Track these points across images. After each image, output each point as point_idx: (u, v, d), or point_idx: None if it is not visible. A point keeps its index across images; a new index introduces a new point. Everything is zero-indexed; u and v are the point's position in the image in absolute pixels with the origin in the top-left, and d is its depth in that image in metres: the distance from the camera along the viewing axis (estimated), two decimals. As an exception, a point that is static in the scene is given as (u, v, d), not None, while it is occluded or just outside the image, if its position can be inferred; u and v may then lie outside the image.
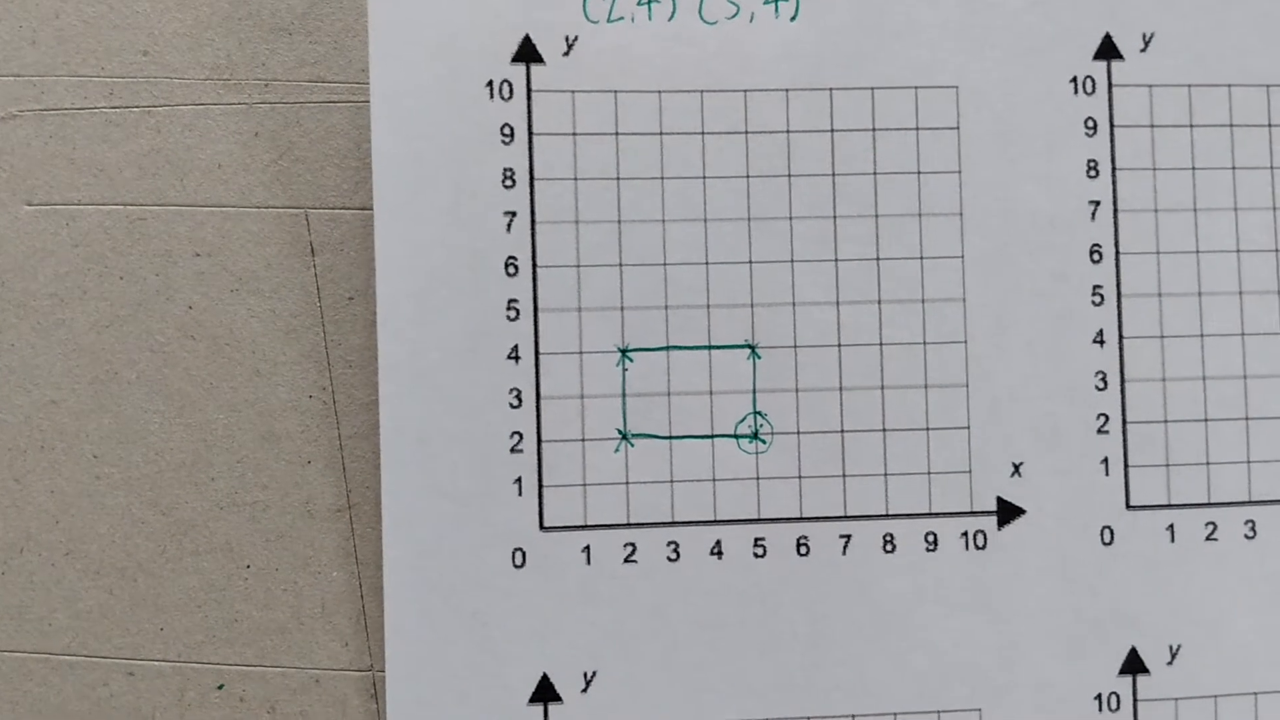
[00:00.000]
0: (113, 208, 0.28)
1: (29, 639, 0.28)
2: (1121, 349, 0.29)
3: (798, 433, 0.28)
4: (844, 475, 0.28)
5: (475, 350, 0.28)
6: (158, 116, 0.28)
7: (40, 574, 0.28)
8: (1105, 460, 0.28)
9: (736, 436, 0.28)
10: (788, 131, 0.28)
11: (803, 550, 0.28)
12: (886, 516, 0.28)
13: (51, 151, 0.28)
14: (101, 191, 0.28)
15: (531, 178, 0.28)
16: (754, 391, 0.28)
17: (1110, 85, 0.29)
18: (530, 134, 0.28)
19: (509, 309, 0.28)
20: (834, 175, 0.28)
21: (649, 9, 0.28)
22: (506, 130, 0.28)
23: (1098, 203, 0.29)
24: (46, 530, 0.28)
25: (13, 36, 0.28)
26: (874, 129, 0.28)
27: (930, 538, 0.28)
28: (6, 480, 0.28)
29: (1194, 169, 0.29)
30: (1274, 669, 0.29)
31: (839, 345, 0.28)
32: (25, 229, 0.28)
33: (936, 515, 0.28)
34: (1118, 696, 0.28)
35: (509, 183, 0.28)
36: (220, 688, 0.28)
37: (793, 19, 0.28)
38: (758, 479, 0.28)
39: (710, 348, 0.28)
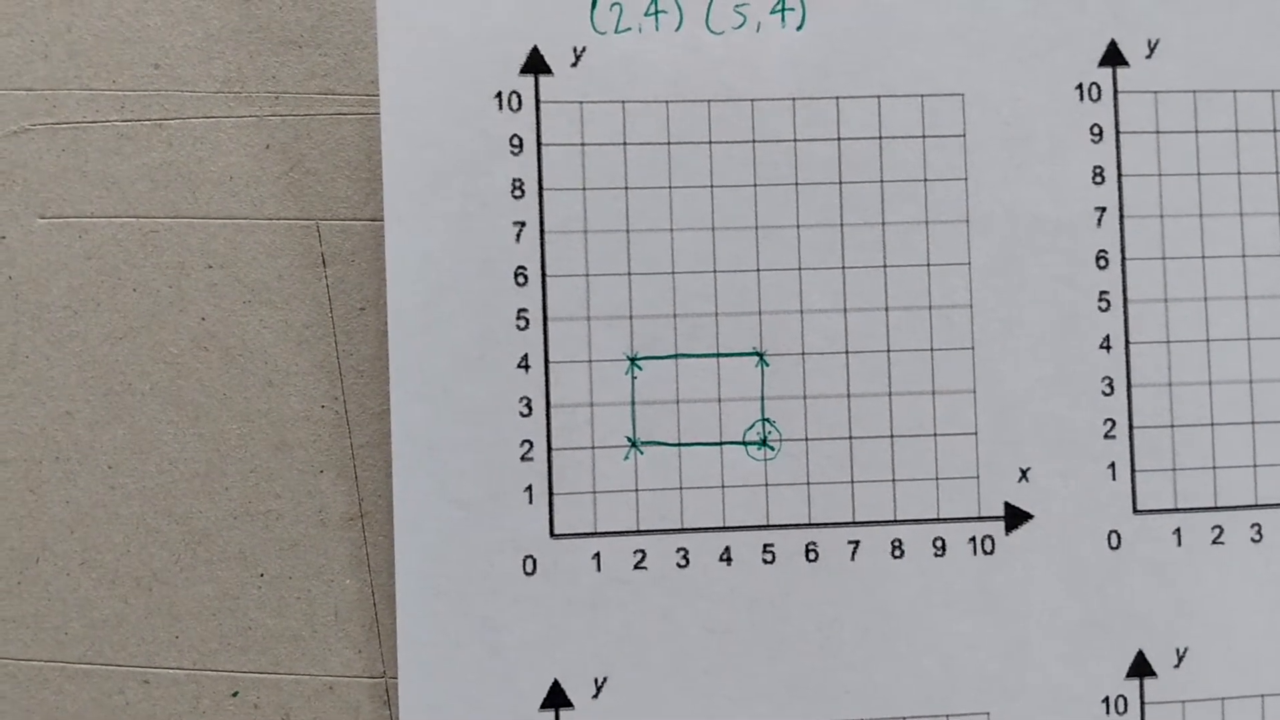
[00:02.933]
0: (125, 220, 0.28)
1: (45, 648, 0.28)
2: (1128, 354, 0.29)
3: (806, 439, 0.28)
4: (852, 481, 0.28)
5: (485, 359, 0.28)
6: (169, 129, 0.29)
7: (56, 583, 0.28)
8: (1112, 465, 0.29)
9: (745, 443, 0.28)
10: (795, 140, 0.28)
11: (812, 556, 0.28)
12: (895, 522, 0.28)
13: (64, 165, 0.28)
14: (114, 204, 0.28)
15: (540, 188, 0.28)
16: (762, 398, 0.28)
17: (1116, 91, 0.29)
18: (539, 144, 0.28)
19: (519, 318, 0.28)
20: (841, 183, 0.28)
21: (656, 19, 0.28)
22: (515, 141, 0.28)
23: (1104, 208, 0.29)
24: (62, 540, 0.28)
25: (25, 51, 0.29)
26: (880, 137, 0.28)
27: (938, 543, 0.28)
28: (22, 491, 0.28)
29: (1199, 174, 0.29)
30: (1281, 671, 0.29)
31: (847, 352, 0.28)
32: (38, 242, 0.28)
33: (944, 520, 0.28)
34: (1125, 699, 0.28)
35: (518, 193, 0.28)
36: (235, 695, 0.28)
37: (799, 28, 0.28)
38: (766, 485, 0.28)
39: (719, 355, 0.28)
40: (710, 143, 0.28)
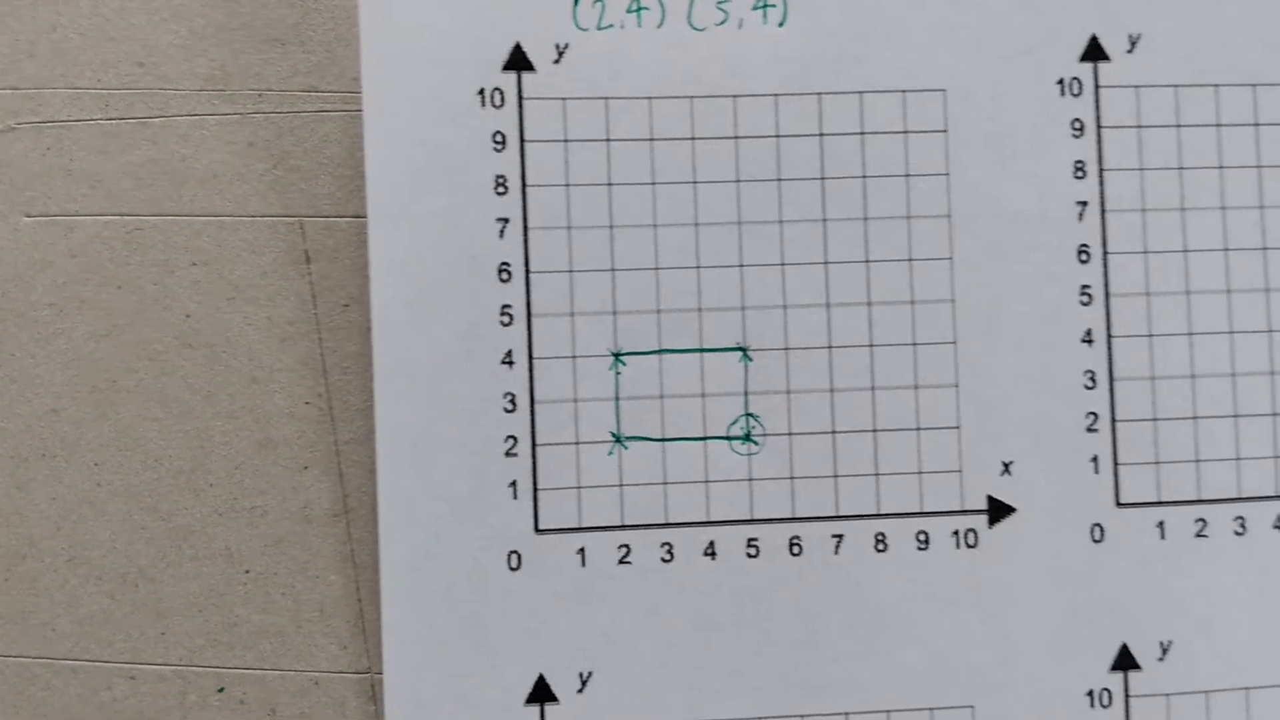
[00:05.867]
0: (110, 218, 0.29)
1: (32, 644, 0.28)
2: (1110, 348, 0.29)
3: (789, 434, 0.28)
4: (835, 475, 0.28)
5: (469, 355, 0.28)
6: (154, 127, 0.29)
7: (43, 580, 0.28)
8: (1095, 458, 0.29)
9: (729, 438, 0.28)
10: (777, 136, 0.28)
11: (795, 550, 0.28)
12: (878, 516, 0.28)
13: (49, 163, 0.29)
14: (99, 202, 0.29)
15: (524, 184, 0.28)
16: (746, 393, 0.28)
17: (1097, 86, 0.29)
18: (522, 141, 0.28)
19: (502, 314, 0.28)
20: (823, 179, 0.28)
21: (638, 16, 0.28)
22: (498, 137, 0.28)
23: (1085, 203, 0.29)
24: (48, 537, 0.28)
25: (10, 50, 0.29)
26: (862, 132, 0.29)
27: (922, 536, 0.28)
28: (9, 488, 0.28)
29: (1181, 169, 0.29)
30: (1265, 664, 0.29)
31: (829, 347, 0.28)
32: (24, 240, 0.29)
33: (928, 514, 0.28)
34: (1109, 692, 0.29)
35: (501, 189, 0.28)
36: (221, 691, 0.28)
37: (781, 24, 0.28)
38: (750, 480, 0.28)
39: (702, 350, 0.28)
40: (693, 139, 0.28)
